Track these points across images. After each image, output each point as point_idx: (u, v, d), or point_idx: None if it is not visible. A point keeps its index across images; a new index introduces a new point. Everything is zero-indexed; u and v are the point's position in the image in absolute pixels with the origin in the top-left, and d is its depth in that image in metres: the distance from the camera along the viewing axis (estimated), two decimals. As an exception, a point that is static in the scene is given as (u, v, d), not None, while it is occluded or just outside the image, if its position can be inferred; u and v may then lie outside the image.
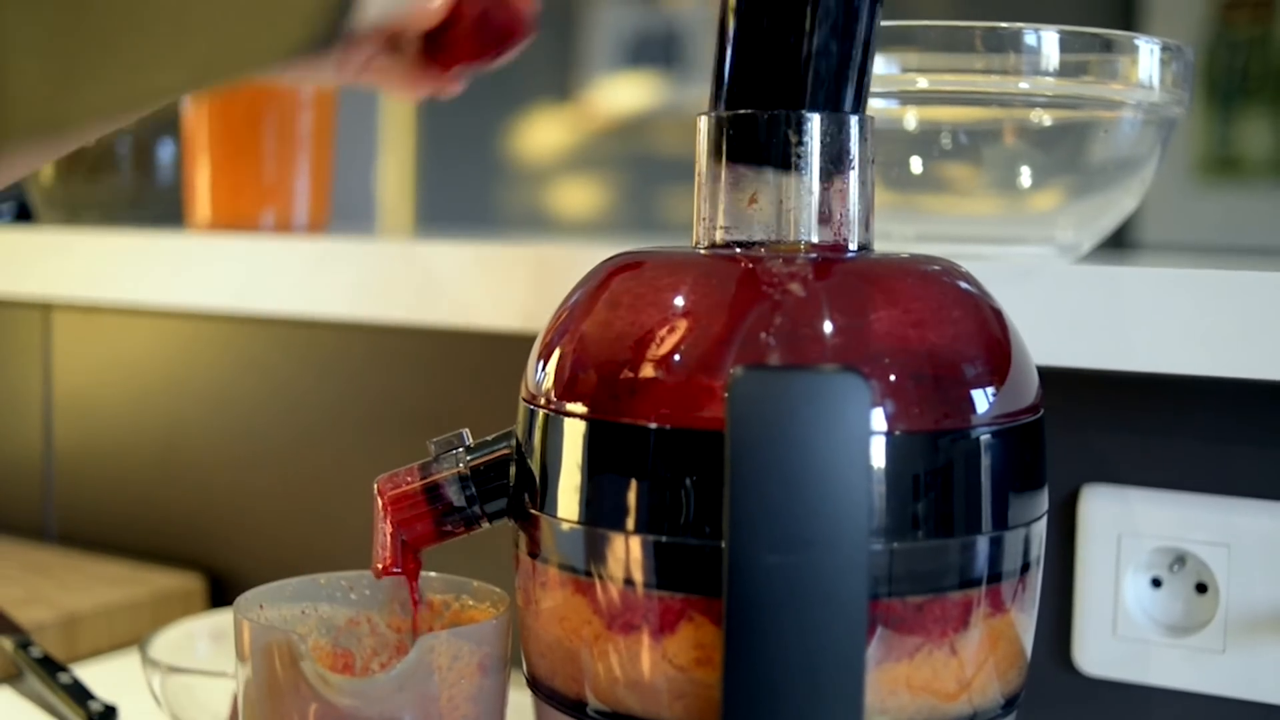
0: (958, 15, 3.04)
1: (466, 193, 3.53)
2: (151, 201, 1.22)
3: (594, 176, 3.50)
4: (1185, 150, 2.85)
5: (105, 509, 1.29)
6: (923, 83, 0.80)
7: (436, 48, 0.73)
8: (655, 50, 3.38)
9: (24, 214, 1.28)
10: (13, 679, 0.98)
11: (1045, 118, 0.83)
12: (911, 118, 0.84)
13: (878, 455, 0.60)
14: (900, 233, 0.87)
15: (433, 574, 0.75)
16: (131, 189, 1.23)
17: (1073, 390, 0.85)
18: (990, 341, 0.65)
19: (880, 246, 0.75)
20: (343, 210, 1.50)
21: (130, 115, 0.46)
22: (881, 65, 0.81)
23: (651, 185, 3.38)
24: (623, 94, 3.41)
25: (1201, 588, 0.83)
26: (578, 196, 3.53)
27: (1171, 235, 2.81)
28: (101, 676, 1.02)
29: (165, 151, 1.23)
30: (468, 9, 0.70)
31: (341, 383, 1.13)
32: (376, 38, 0.73)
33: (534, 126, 3.52)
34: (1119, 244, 2.78)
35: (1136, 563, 0.84)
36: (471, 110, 3.39)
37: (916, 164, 0.85)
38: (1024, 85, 0.80)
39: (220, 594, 1.21)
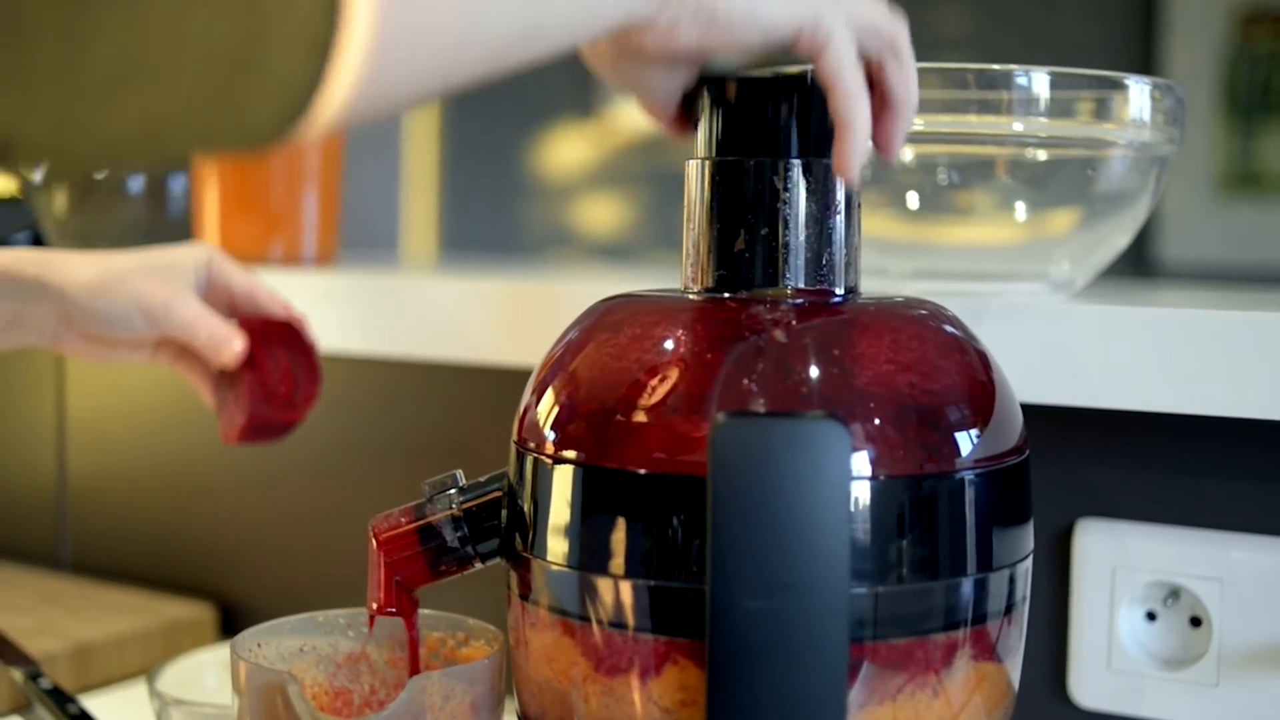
0: (977, 37, 3.04)
1: (490, 211, 3.55)
2: (163, 232, 1.24)
3: (617, 193, 3.51)
4: (1206, 165, 2.84)
5: (118, 538, 1.30)
6: (918, 123, 0.81)
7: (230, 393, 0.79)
8: (676, 67, 3.38)
9: (37, 244, 1.30)
10: (22, 710, 0.99)
11: (1040, 154, 0.84)
12: (908, 153, 0.85)
13: (861, 499, 0.61)
14: (896, 268, 0.88)
15: (429, 611, 0.76)
16: (143, 220, 1.24)
17: (1068, 426, 0.85)
18: (974, 385, 0.66)
19: (875, 283, 0.76)
20: (367, 232, 1.52)
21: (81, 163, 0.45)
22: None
23: (675, 201, 3.38)
24: (644, 111, 3.42)
25: (1195, 621, 0.83)
26: (601, 213, 3.54)
27: (1192, 250, 2.81)
28: (111, 707, 1.03)
29: (177, 183, 1.24)
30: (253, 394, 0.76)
31: (351, 416, 1.14)
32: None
33: (557, 144, 3.53)
34: (1139, 260, 2.79)
35: (1131, 596, 0.84)
36: (494, 128, 3.41)
37: (913, 200, 0.86)
38: (1017, 126, 0.81)
39: (231, 624, 1.22)
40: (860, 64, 0.64)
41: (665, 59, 0.64)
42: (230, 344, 0.74)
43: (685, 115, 0.69)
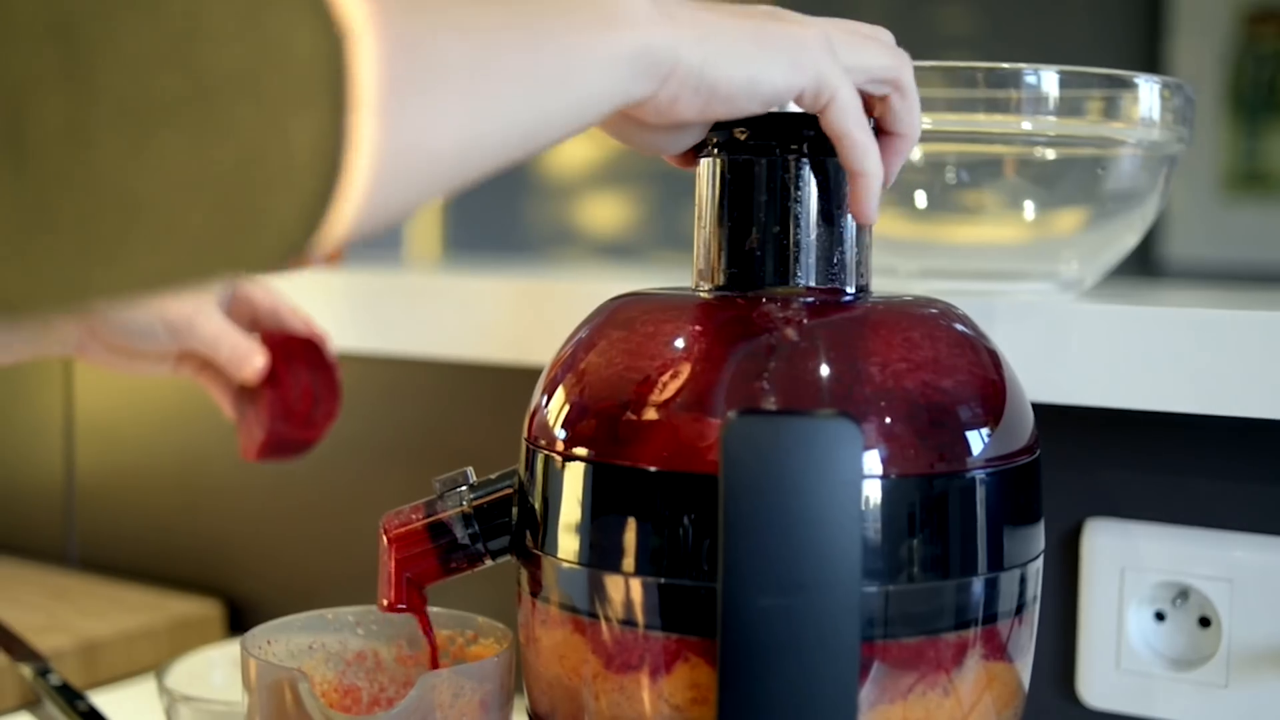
0: (981, 37, 3.04)
1: (495, 209, 3.54)
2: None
3: (622, 192, 3.51)
4: (1212, 165, 2.84)
5: (126, 535, 1.31)
6: (927, 122, 0.81)
7: (249, 409, 0.78)
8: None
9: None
10: (31, 706, 0.99)
11: (1048, 153, 0.84)
12: (916, 152, 0.85)
13: (873, 498, 0.61)
14: (904, 267, 0.88)
15: (438, 609, 0.76)
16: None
17: (1077, 426, 0.85)
18: (985, 384, 0.66)
19: (884, 282, 0.75)
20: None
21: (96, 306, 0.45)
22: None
23: (679, 200, 3.39)
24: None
25: (1204, 622, 0.83)
26: (606, 211, 3.54)
27: (1198, 250, 2.81)
28: (119, 704, 1.03)
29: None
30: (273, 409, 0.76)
31: (360, 414, 1.14)
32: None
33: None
34: (1144, 260, 2.79)
35: (1140, 596, 0.84)
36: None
37: (921, 199, 0.86)
38: (1026, 125, 0.81)
39: (238, 621, 1.22)
40: (864, 114, 0.63)
41: (668, 128, 0.64)
42: (252, 360, 0.74)
43: (694, 154, 0.69)
